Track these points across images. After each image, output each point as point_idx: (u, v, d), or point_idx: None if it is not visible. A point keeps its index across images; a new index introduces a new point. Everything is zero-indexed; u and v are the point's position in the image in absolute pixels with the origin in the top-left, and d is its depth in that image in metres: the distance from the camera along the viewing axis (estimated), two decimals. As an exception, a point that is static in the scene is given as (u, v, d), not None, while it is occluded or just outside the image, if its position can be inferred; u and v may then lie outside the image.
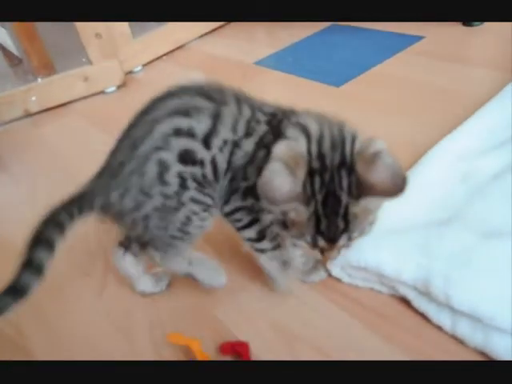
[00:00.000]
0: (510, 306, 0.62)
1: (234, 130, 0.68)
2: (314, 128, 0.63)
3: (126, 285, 0.87)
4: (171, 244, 0.74)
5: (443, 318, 0.67)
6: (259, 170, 0.61)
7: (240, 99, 0.70)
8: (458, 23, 1.53)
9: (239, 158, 0.68)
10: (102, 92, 1.75)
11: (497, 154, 0.88)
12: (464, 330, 0.65)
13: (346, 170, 0.61)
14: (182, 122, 0.67)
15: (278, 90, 1.51)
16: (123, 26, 1.77)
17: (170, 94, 0.72)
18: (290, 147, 0.61)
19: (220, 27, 2.06)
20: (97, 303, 0.88)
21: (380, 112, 1.22)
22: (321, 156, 0.61)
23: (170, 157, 0.67)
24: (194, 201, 0.70)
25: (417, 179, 0.88)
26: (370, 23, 1.71)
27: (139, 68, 1.88)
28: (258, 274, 0.82)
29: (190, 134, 0.67)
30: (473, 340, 0.64)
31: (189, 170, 0.68)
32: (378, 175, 0.59)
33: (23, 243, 0.69)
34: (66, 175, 1.30)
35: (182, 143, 0.67)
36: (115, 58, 1.72)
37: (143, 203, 0.70)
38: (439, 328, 0.68)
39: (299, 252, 0.78)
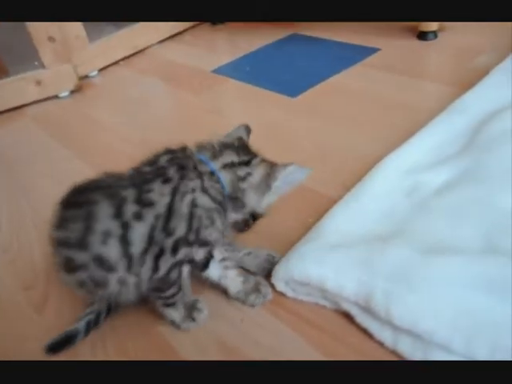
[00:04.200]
0: (449, 322, 0.62)
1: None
2: None
3: (67, 299, 0.85)
4: None
5: (385, 335, 0.67)
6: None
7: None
8: (413, 36, 1.56)
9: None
10: (56, 96, 1.70)
11: (441, 169, 0.89)
12: (404, 346, 0.65)
13: None
14: (58, 235, 0.72)
15: (233, 99, 1.50)
16: (78, 29, 1.73)
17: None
18: None
19: (179, 33, 2.04)
20: (37, 320, 0.85)
21: (332, 124, 1.23)
22: None
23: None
24: None
25: (364, 192, 0.88)
26: (328, 33, 1.73)
27: (95, 73, 1.84)
28: (203, 290, 0.81)
29: (64, 244, 0.70)
30: (412, 356, 0.64)
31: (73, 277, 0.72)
32: None
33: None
34: (14, 181, 1.27)
35: (63, 252, 0.71)
36: (69, 62, 1.68)
37: None
38: (381, 344, 0.68)
39: (235, 272, 0.78)
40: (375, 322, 0.68)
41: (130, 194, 0.67)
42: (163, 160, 0.72)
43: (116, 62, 1.89)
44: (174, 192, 0.68)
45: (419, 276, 0.67)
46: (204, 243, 0.71)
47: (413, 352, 0.64)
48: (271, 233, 0.90)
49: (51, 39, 1.62)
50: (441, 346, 0.62)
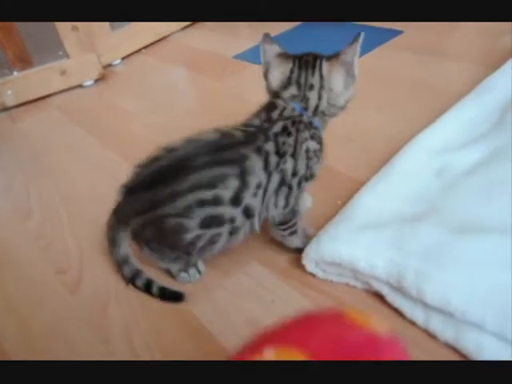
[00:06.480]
0: (481, 300, 0.62)
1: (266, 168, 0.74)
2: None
3: (101, 280, 0.87)
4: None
5: (416, 313, 0.68)
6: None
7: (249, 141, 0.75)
8: (438, 17, 1.54)
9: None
10: (80, 86, 1.72)
11: (472, 149, 0.88)
12: (436, 325, 0.65)
13: None
14: (207, 194, 0.72)
15: (256, 84, 1.49)
16: (101, 19, 1.74)
17: (188, 167, 0.73)
18: None
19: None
20: (71, 301, 0.87)
21: (358, 105, 1.21)
22: None
23: (191, 223, 0.73)
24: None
25: (393, 173, 0.88)
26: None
27: (118, 61, 1.85)
28: (232, 270, 0.82)
29: (215, 202, 0.72)
30: (444, 335, 0.64)
31: (211, 231, 0.74)
32: None
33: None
34: (43, 169, 1.29)
35: (207, 211, 0.72)
36: (93, 51, 1.70)
37: None
38: (412, 323, 0.68)
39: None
40: (406, 301, 0.68)
41: (270, 146, 0.75)
42: (275, 115, 0.78)
43: (138, 50, 1.91)
44: (296, 143, 0.76)
45: (451, 255, 0.67)
46: (313, 176, 0.79)
47: (444, 330, 0.64)
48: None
49: (75, 28, 1.64)
50: (473, 324, 0.62)
